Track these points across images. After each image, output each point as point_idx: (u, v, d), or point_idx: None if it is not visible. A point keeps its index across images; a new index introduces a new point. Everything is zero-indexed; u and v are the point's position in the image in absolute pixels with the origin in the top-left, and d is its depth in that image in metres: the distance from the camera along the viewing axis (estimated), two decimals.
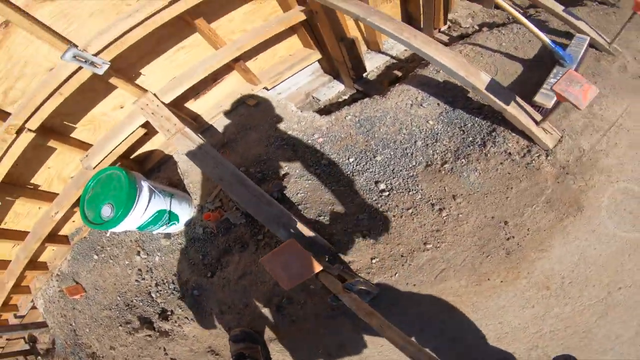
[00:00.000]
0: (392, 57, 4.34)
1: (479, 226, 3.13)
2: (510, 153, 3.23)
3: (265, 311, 3.34)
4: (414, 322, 2.94)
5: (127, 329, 3.80)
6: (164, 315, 3.75)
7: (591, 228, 2.97)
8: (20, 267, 3.79)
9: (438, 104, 3.66)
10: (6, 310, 4.40)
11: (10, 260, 3.85)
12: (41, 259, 4.30)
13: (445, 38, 4.37)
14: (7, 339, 4.56)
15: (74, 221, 4.21)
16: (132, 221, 3.22)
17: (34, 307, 4.44)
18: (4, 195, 3.37)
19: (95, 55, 2.93)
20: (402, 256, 3.13)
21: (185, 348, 3.58)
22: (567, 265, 2.89)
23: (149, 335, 3.73)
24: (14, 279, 3.83)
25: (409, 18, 4.40)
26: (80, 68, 2.93)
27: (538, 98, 3.17)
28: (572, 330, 2.75)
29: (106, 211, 3.10)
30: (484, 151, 3.30)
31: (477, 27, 4.49)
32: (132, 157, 4.12)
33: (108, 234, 4.21)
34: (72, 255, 4.25)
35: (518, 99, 3.03)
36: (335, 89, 4.17)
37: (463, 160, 3.33)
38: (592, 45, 3.59)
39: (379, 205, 3.35)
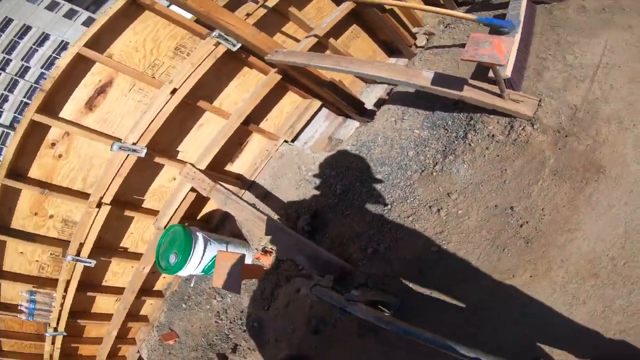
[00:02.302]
0: (388, 84, 3.90)
1: (484, 218, 2.43)
2: (493, 135, 2.57)
3: (308, 335, 2.88)
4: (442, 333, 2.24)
5: None
6: (235, 349, 3.48)
7: (626, 188, 2.08)
8: (121, 317, 3.79)
9: (417, 112, 3.13)
10: None
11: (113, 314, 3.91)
12: (142, 312, 4.29)
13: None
14: None
15: (164, 277, 4.19)
16: (194, 264, 3.27)
17: (140, 358, 4.33)
18: (99, 256, 3.51)
19: (135, 144, 3.12)
20: (411, 263, 2.54)
21: None
22: (612, 241, 1.99)
23: None
24: (117, 328, 3.84)
25: (386, 45, 3.97)
26: (128, 155, 3.12)
27: (492, 73, 2.48)
28: None
29: (172, 258, 3.23)
30: (467, 142, 2.68)
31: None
32: (198, 217, 4.11)
33: (192, 284, 4.09)
34: (167, 307, 4.17)
35: (471, 81, 2.40)
36: (351, 127, 3.82)
37: (451, 156, 2.73)
38: (538, 1, 2.92)
39: (384, 219, 2.84)
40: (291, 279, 3.11)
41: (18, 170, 3.03)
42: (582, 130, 2.31)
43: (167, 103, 3.04)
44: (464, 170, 2.61)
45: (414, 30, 4.02)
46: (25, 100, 20.65)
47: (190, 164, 3.43)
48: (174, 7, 2.96)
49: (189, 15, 2.95)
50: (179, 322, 4.04)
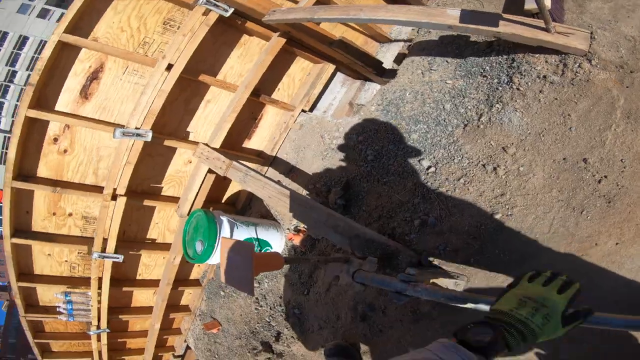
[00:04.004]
0: (404, 41, 3.31)
1: (552, 175, 1.93)
2: (544, 76, 2.04)
3: (355, 322, 2.54)
4: None
5: (253, 354, 3.28)
6: (278, 337, 3.18)
7: None
8: (161, 310, 3.54)
9: (447, 61, 2.56)
10: (165, 351, 4.21)
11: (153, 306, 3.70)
12: (183, 302, 4.04)
13: None
14: None
15: (199, 266, 3.90)
16: None
17: (189, 348, 4.14)
18: (127, 251, 3.26)
19: (138, 128, 2.75)
20: (470, 235, 2.06)
21: None
22: None
23: (269, 358, 3.18)
24: (159, 321, 3.61)
25: None
26: (134, 141, 2.79)
27: (528, 5, 1.95)
28: None
29: (198, 246, 2.93)
30: (515, 87, 2.14)
31: None
32: (223, 201, 3.74)
33: None
34: (207, 295, 3.89)
35: (506, 15, 1.88)
36: (372, 90, 3.27)
37: (497, 105, 2.18)
38: None
39: (429, 184, 2.34)
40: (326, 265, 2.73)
41: (26, 172, 2.74)
42: None
43: (164, 80, 2.62)
44: (517, 119, 2.07)
45: None
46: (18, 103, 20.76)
47: (204, 143, 3.03)
48: None
49: None
50: (220, 310, 3.75)
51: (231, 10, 2.54)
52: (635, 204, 1.71)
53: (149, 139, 2.75)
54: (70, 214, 3.08)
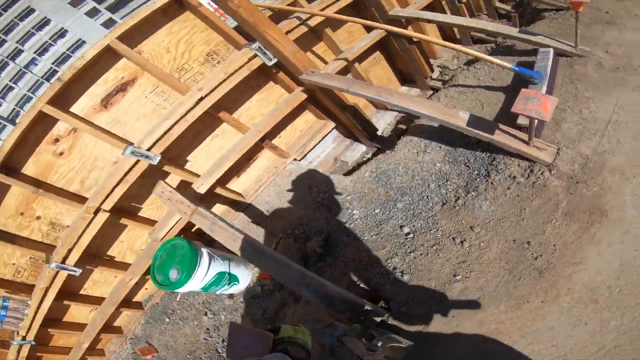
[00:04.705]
0: (399, 112, 4.01)
1: (503, 251, 2.55)
2: (514, 177, 2.69)
3: (323, 356, 2.75)
4: (460, 355, 2.29)
5: None
6: None
7: (623, 230, 2.28)
8: (96, 329, 3.44)
9: (440, 147, 3.19)
10: None
11: (87, 324, 3.54)
12: (116, 323, 3.92)
13: (439, 84, 3.98)
14: None
15: (146, 288, 3.88)
16: (196, 282, 3.02)
17: None
18: (84, 265, 3.19)
19: (148, 150, 2.88)
20: (435, 290, 2.58)
21: None
22: (609, 273, 2.20)
23: None
24: (90, 340, 3.48)
25: (402, 74, 4.08)
26: (138, 161, 2.89)
27: (520, 120, 2.66)
28: None
29: (173, 274, 2.94)
30: (490, 180, 2.78)
31: (463, 67, 4.04)
32: (193, 230, 3.85)
33: (178, 298, 3.79)
34: (146, 319, 3.82)
35: (501, 126, 2.56)
36: (358, 150, 3.85)
37: (473, 193, 2.80)
38: (561, 54, 3.09)
39: (406, 247, 2.83)
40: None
41: (12, 165, 2.69)
42: (591, 178, 2.52)
43: (191, 110, 2.85)
44: (486, 206, 2.71)
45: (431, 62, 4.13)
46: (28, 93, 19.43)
47: (165, 181, 3.18)
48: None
49: (231, 23, 2.83)
50: (160, 336, 3.70)
51: (274, 61, 2.91)
52: (558, 275, 2.35)
53: (155, 162, 2.90)
54: (38, 217, 3.03)
